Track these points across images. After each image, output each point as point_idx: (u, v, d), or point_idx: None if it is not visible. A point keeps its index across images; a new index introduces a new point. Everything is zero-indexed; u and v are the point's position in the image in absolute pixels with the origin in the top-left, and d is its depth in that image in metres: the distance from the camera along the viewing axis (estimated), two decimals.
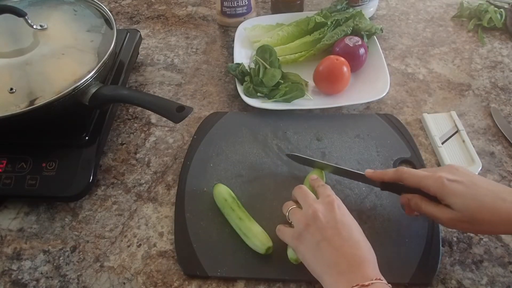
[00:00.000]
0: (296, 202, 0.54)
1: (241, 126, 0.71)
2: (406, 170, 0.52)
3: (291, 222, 0.52)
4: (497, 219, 0.46)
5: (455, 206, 0.47)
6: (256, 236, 0.54)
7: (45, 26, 0.66)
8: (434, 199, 0.49)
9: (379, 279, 0.44)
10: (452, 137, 0.68)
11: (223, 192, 0.59)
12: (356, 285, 0.43)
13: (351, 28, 0.80)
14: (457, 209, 0.47)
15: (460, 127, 0.69)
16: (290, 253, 0.53)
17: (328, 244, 0.47)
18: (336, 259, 0.46)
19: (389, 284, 0.44)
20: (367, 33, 0.81)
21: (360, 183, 0.62)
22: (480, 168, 0.63)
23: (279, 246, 0.55)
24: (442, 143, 0.67)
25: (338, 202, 0.51)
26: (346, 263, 0.45)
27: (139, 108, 0.75)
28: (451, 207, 0.47)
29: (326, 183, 0.59)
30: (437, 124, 0.70)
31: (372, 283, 0.43)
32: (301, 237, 0.49)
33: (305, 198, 0.52)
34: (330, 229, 0.48)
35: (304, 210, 0.51)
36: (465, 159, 0.65)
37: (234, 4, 0.89)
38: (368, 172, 0.56)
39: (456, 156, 0.65)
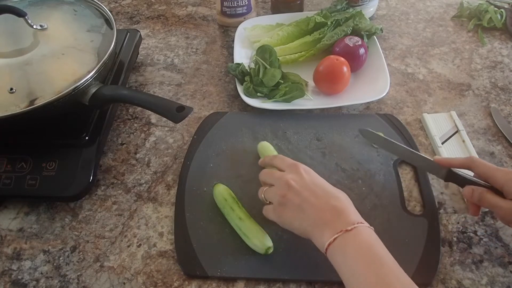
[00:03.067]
0: (267, 185, 0.56)
1: (241, 126, 0.71)
2: (477, 158, 0.54)
3: (269, 202, 0.54)
4: None
5: None
6: (256, 236, 0.54)
7: (45, 26, 0.66)
8: (500, 195, 0.50)
9: (361, 223, 0.47)
10: (452, 137, 0.68)
11: (223, 192, 0.59)
12: (340, 231, 0.46)
13: (351, 28, 0.80)
14: None
15: (460, 127, 0.69)
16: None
17: (309, 204, 0.50)
18: (319, 214, 0.49)
19: (371, 227, 0.48)
20: (367, 33, 0.81)
21: (360, 183, 0.62)
22: None
23: (279, 246, 0.55)
24: (442, 143, 0.67)
25: (302, 166, 0.54)
26: (329, 214, 0.49)
27: (139, 108, 0.75)
28: None
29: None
30: (437, 124, 0.70)
31: (354, 227, 0.46)
32: (282, 206, 0.52)
33: (272, 176, 0.55)
34: (305, 191, 0.51)
35: (276, 185, 0.54)
36: None
37: (234, 4, 0.89)
38: (437, 158, 0.56)
39: (456, 156, 0.65)
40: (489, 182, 0.51)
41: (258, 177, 0.57)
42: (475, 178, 0.53)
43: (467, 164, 0.54)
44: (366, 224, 0.48)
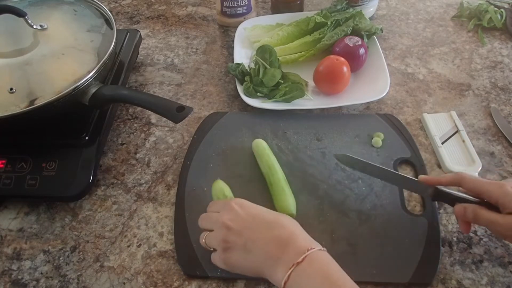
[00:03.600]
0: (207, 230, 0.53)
1: (241, 126, 0.70)
2: (466, 174, 0.52)
3: (212, 249, 0.51)
4: None
5: None
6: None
7: (45, 26, 0.66)
8: (492, 208, 0.48)
9: (311, 248, 0.45)
10: (452, 137, 0.68)
11: (222, 188, 0.58)
12: (292, 265, 0.44)
13: (351, 28, 0.80)
14: None
15: (460, 127, 0.69)
16: (281, 208, 0.56)
17: (252, 242, 0.47)
18: (266, 249, 0.47)
19: (324, 248, 0.46)
20: (367, 33, 0.81)
21: (360, 183, 0.62)
22: (480, 168, 0.63)
23: None
24: (442, 143, 0.67)
25: (235, 201, 0.51)
26: (276, 248, 0.46)
27: (139, 108, 0.75)
28: None
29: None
30: (437, 124, 0.70)
31: (306, 256, 0.44)
32: (227, 252, 0.49)
33: (210, 220, 0.52)
34: (245, 229, 0.48)
35: (215, 229, 0.50)
36: (465, 159, 0.65)
37: (234, 4, 0.89)
38: (422, 177, 0.54)
39: (456, 156, 0.65)
40: (482, 197, 0.49)
41: (198, 224, 0.54)
42: (463, 194, 0.51)
43: (456, 181, 0.52)
44: (317, 246, 0.46)
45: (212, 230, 0.51)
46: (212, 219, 0.52)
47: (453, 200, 0.52)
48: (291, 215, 0.56)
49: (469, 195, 0.51)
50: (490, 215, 0.48)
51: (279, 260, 0.45)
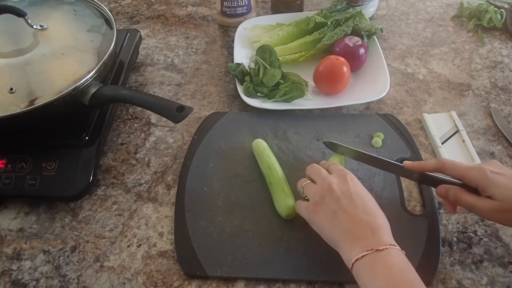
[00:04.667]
0: (310, 180, 0.55)
1: (241, 126, 0.70)
2: (448, 160, 0.53)
3: (306, 196, 0.54)
4: None
5: (497, 196, 0.47)
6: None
7: (45, 26, 0.66)
8: (474, 191, 0.50)
9: (393, 245, 0.46)
10: (452, 137, 0.68)
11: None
12: (370, 249, 0.45)
13: (351, 28, 0.80)
14: (499, 199, 0.47)
15: (460, 127, 0.69)
16: (281, 208, 0.57)
17: (344, 213, 0.49)
18: (352, 226, 0.48)
19: (403, 251, 0.46)
20: (367, 33, 0.81)
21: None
22: None
23: (279, 246, 0.55)
24: (442, 143, 0.67)
25: (351, 175, 0.53)
26: (361, 230, 0.47)
27: (139, 108, 0.75)
28: (493, 198, 0.48)
29: None
30: (437, 124, 0.70)
31: (386, 248, 0.45)
32: (317, 208, 0.51)
33: (319, 174, 0.54)
34: (345, 199, 0.50)
35: (319, 184, 0.53)
36: (465, 159, 0.65)
37: (234, 4, 0.89)
38: (407, 163, 0.55)
39: (456, 156, 0.65)
40: (464, 182, 0.51)
41: (305, 170, 0.57)
42: (448, 178, 0.53)
43: (439, 167, 0.53)
44: (398, 247, 0.46)
45: (314, 182, 0.54)
46: (321, 174, 0.54)
47: (438, 184, 0.53)
48: (290, 215, 0.56)
49: (453, 178, 0.52)
50: (470, 198, 0.50)
51: (359, 240, 0.46)
